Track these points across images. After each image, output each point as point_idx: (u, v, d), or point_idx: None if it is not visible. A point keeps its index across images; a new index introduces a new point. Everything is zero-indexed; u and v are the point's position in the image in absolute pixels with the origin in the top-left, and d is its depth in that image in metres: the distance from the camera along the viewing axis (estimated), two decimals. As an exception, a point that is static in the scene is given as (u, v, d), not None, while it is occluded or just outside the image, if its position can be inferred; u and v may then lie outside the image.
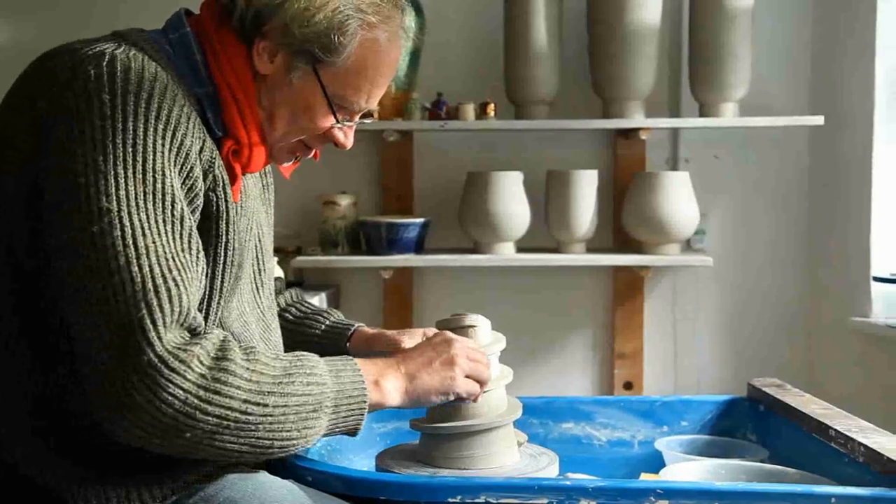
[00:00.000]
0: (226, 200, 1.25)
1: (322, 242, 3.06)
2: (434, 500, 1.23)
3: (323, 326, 1.63)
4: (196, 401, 1.09)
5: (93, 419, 1.12)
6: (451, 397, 1.35)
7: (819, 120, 2.91)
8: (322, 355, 1.29)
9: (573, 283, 3.21)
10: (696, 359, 3.23)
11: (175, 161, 1.17)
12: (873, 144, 2.81)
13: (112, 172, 1.12)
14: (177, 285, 1.11)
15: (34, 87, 1.19)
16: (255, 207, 1.41)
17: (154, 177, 1.14)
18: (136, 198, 1.12)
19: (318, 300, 2.91)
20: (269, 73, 1.29)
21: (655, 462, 1.67)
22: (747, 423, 1.80)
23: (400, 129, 3.01)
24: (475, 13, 3.18)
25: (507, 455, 1.46)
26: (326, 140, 1.38)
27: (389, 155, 3.18)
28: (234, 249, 1.27)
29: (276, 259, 2.75)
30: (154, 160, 1.14)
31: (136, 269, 1.09)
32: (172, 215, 1.15)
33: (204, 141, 1.22)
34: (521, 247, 3.02)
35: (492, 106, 2.95)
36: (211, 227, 1.24)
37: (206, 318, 1.25)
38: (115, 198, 1.11)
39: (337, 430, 1.23)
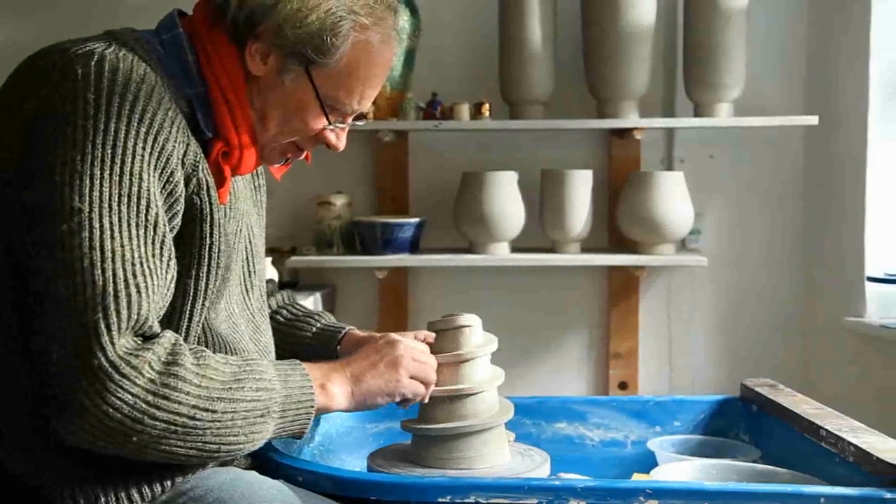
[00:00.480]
0: (210, 203, 1.25)
1: (317, 242, 3.06)
2: (424, 500, 1.23)
3: (314, 329, 1.63)
4: (144, 405, 1.09)
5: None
6: (398, 398, 1.37)
7: (813, 120, 2.91)
8: (313, 358, 1.30)
9: (568, 283, 3.21)
10: (691, 359, 3.23)
11: (155, 165, 1.17)
12: (867, 144, 2.81)
13: (88, 173, 1.12)
14: (138, 292, 1.11)
15: (25, 87, 1.19)
16: (245, 209, 1.40)
17: (131, 180, 1.14)
18: (109, 199, 1.12)
19: (312, 300, 2.91)
20: (262, 75, 1.29)
21: (648, 462, 1.67)
22: (740, 423, 1.80)
23: (395, 129, 3.01)
24: (470, 14, 3.18)
25: (498, 456, 1.47)
26: (318, 142, 1.37)
27: (384, 155, 3.18)
28: (219, 252, 1.27)
29: (269, 259, 2.77)
30: (132, 163, 1.14)
31: (99, 272, 1.10)
32: (146, 220, 1.15)
33: (188, 145, 1.22)
34: (516, 247, 3.02)
35: (486, 106, 2.95)
36: (195, 231, 1.24)
37: (189, 320, 1.26)
38: (87, 198, 1.11)
39: (283, 433, 1.25)
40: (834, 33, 3.01)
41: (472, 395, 1.45)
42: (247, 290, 1.44)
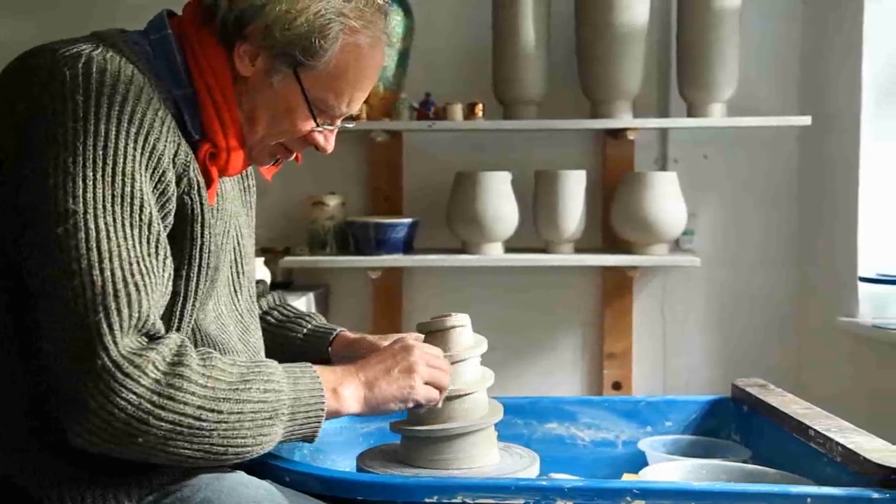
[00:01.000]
0: (201, 204, 1.25)
1: (310, 243, 3.06)
2: (411, 500, 1.23)
3: (305, 331, 1.63)
4: (149, 406, 1.09)
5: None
6: (411, 405, 1.35)
7: (806, 120, 2.92)
8: (304, 360, 1.29)
9: (562, 284, 3.22)
10: (686, 359, 3.23)
11: (147, 165, 1.17)
12: (860, 145, 2.81)
13: (81, 174, 1.12)
14: (137, 290, 1.11)
15: (14, 88, 1.19)
16: (233, 210, 1.40)
17: (123, 180, 1.14)
18: (103, 200, 1.12)
19: (305, 300, 2.91)
20: (250, 76, 1.29)
21: (639, 462, 1.67)
22: (731, 423, 1.80)
23: (388, 129, 3.02)
24: (464, 14, 3.18)
25: (488, 457, 1.46)
26: (307, 143, 1.37)
27: (378, 155, 3.18)
28: (209, 252, 1.27)
29: (262, 260, 2.77)
30: (124, 163, 1.14)
31: (98, 272, 1.10)
32: (140, 219, 1.15)
33: (178, 145, 1.22)
34: (510, 247, 3.02)
35: (480, 106, 2.95)
36: (185, 231, 1.24)
37: (180, 321, 1.25)
38: (81, 200, 1.11)
39: (293, 437, 1.23)
40: (827, 33, 3.01)
41: (461, 396, 1.45)
42: (235, 291, 1.44)
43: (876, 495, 1.21)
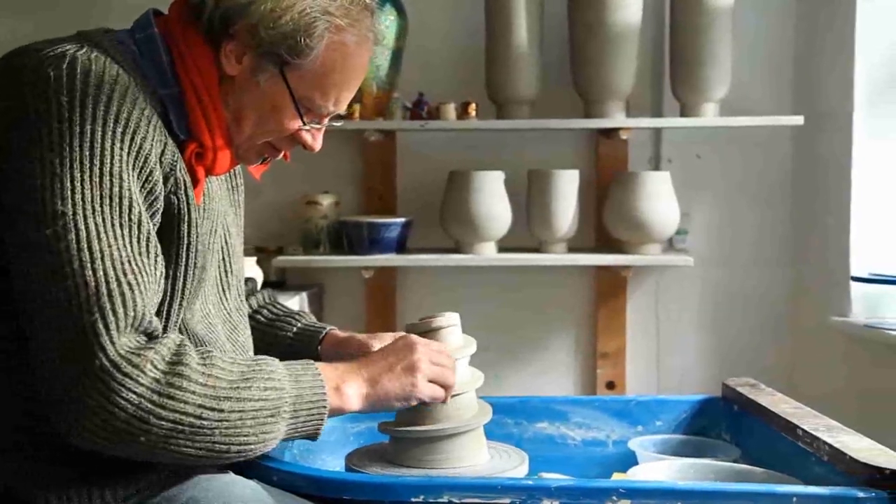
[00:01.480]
0: (188, 203, 1.25)
1: (304, 242, 3.06)
2: (397, 500, 1.23)
3: (294, 329, 1.62)
4: (150, 405, 1.09)
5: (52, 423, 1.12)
6: (414, 402, 1.34)
7: (799, 120, 2.92)
8: (292, 358, 1.28)
9: (555, 283, 3.21)
10: (679, 358, 3.23)
11: (134, 165, 1.17)
12: (853, 144, 2.81)
13: (68, 175, 1.12)
14: (131, 289, 1.11)
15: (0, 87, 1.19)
16: (220, 209, 1.40)
17: (111, 180, 1.14)
18: (92, 201, 1.12)
19: (298, 300, 2.91)
20: (237, 75, 1.29)
21: (630, 462, 1.66)
22: (721, 422, 1.80)
23: (380, 128, 3.02)
24: (457, 14, 3.17)
25: (476, 458, 1.46)
26: (294, 142, 1.37)
27: (372, 155, 3.18)
28: (196, 252, 1.27)
29: (254, 259, 2.77)
30: (111, 163, 1.14)
31: (90, 272, 1.10)
32: (130, 219, 1.15)
33: (165, 144, 1.22)
34: (503, 246, 3.02)
35: (473, 106, 2.95)
36: (172, 230, 1.24)
37: (167, 321, 1.25)
38: (70, 201, 1.11)
39: (296, 434, 1.23)
40: (820, 32, 3.01)
41: (451, 397, 1.45)
42: (223, 290, 1.44)
43: (862, 494, 1.21)
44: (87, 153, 1.13)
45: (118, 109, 1.16)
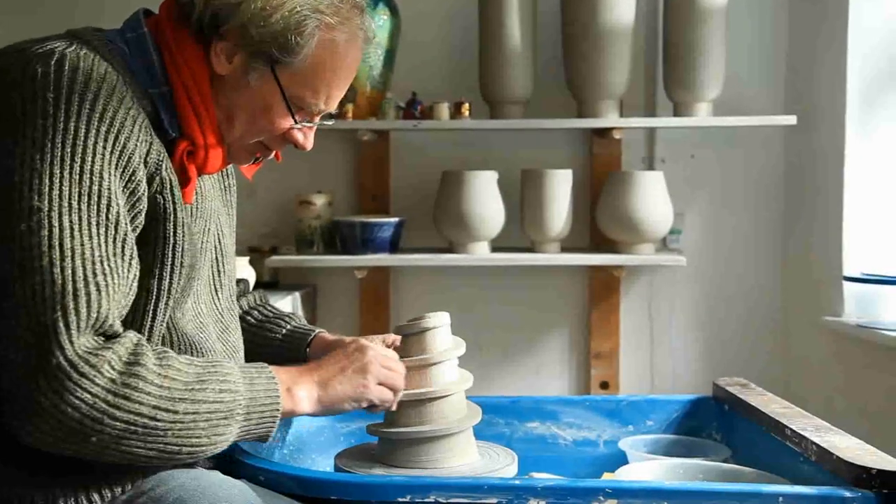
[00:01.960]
0: (174, 203, 1.25)
1: (297, 242, 3.06)
2: (384, 500, 1.23)
3: (284, 331, 1.62)
4: (104, 405, 1.09)
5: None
6: (364, 405, 1.36)
7: (791, 120, 2.92)
8: (282, 360, 1.29)
9: (549, 283, 3.21)
10: (673, 358, 3.23)
11: (116, 164, 1.16)
12: (845, 144, 2.81)
13: (47, 171, 1.11)
14: (98, 290, 1.11)
15: None
16: (213, 209, 1.40)
17: (91, 178, 1.13)
18: (69, 198, 1.12)
19: (290, 299, 2.91)
20: (227, 74, 1.29)
21: (620, 462, 1.67)
22: (712, 422, 1.81)
23: (374, 128, 3.01)
24: (450, 13, 3.18)
25: (465, 458, 1.46)
26: (286, 141, 1.37)
27: (366, 154, 3.18)
28: (182, 251, 1.27)
29: (247, 259, 2.76)
30: (93, 162, 1.14)
31: (59, 270, 1.09)
32: (107, 218, 1.14)
33: (151, 143, 1.22)
34: (496, 246, 3.02)
35: (466, 105, 2.95)
36: (158, 230, 1.24)
37: (153, 320, 1.25)
38: (47, 197, 1.11)
39: (248, 436, 1.23)
40: (812, 32, 3.02)
41: (438, 398, 1.45)
42: (216, 290, 1.43)
43: (848, 494, 1.22)
44: (69, 150, 1.13)
45: (104, 108, 1.16)
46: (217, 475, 1.28)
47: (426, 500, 1.22)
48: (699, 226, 3.20)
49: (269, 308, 1.69)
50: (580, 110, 3.01)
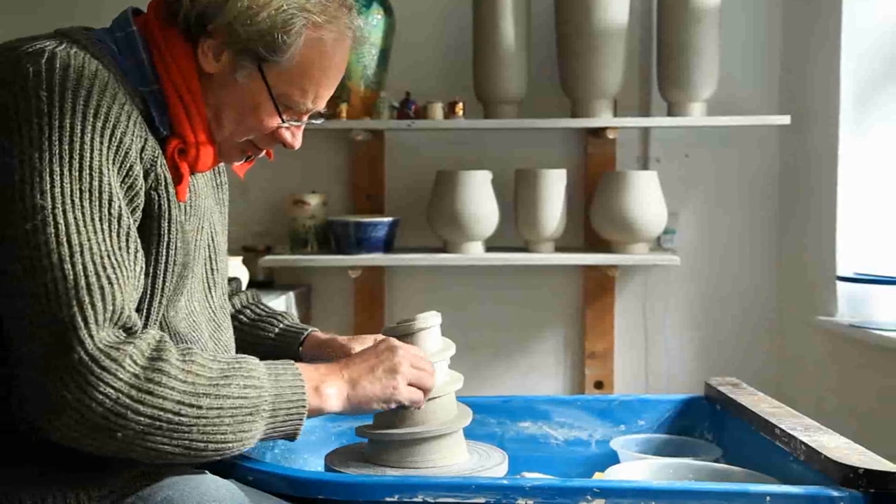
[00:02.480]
0: (168, 200, 1.25)
1: (291, 241, 3.06)
2: (372, 500, 1.23)
3: (276, 330, 1.62)
4: (128, 400, 1.08)
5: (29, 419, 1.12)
6: (393, 405, 1.35)
7: (785, 119, 2.92)
8: (274, 359, 1.28)
9: (543, 283, 3.22)
10: (667, 358, 3.23)
11: (114, 159, 1.17)
12: (839, 144, 2.81)
13: (48, 170, 1.12)
14: (111, 283, 1.11)
15: None
16: (207, 207, 1.40)
17: (91, 174, 1.14)
18: (71, 195, 1.12)
19: (285, 299, 2.91)
20: (215, 72, 1.29)
21: (612, 461, 1.66)
22: (704, 422, 1.81)
23: (368, 128, 3.01)
24: (444, 13, 3.18)
25: (455, 459, 1.46)
26: (275, 140, 1.37)
27: (359, 154, 3.18)
28: (176, 248, 1.27)
29: (239, 258, 2.76)
30: (91, 158, 1.14)
31: (69, 266, 1.10)
32: (109, 213, 1.15)
33: (146, 140, 1.22)
34: (490, 246, 3.02)
35: (460, 105, 2.95)
36: (153, 226, 1.24)
37: (146, 317, 1.25)
38: (49, 195, 1.11)
39: (275, 434, 1.22)
40: (806, 32, 3.02)
41: (428, 400, 1.44)
42: (209, 288, 1.44)
43: (836, 493, 1.22)
44: (67, 147, 1.13)
45: (98, 104, 1.16)
46: (206, 475, 1.28)
47: (414, 499, 1.22)
48: (693, 225, 3.20)
49: (262, 307, 1.69)
50: (574, 110, 3.01)
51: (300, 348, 1.60)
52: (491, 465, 1.45)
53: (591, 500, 1.19)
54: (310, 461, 1.69)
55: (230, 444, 1.17)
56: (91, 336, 1.08)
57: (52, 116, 1.13)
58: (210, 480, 1.26)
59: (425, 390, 1.38)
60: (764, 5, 3.15)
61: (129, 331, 1.13)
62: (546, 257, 2.98)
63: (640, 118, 3.08)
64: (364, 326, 3.12)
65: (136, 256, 1.18)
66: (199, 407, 1.13)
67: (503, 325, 3.22)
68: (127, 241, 1.17)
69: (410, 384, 1.35)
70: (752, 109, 3.07)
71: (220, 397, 1.15)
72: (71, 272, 1.09)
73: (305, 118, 1.38)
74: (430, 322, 1.48)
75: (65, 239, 1.10)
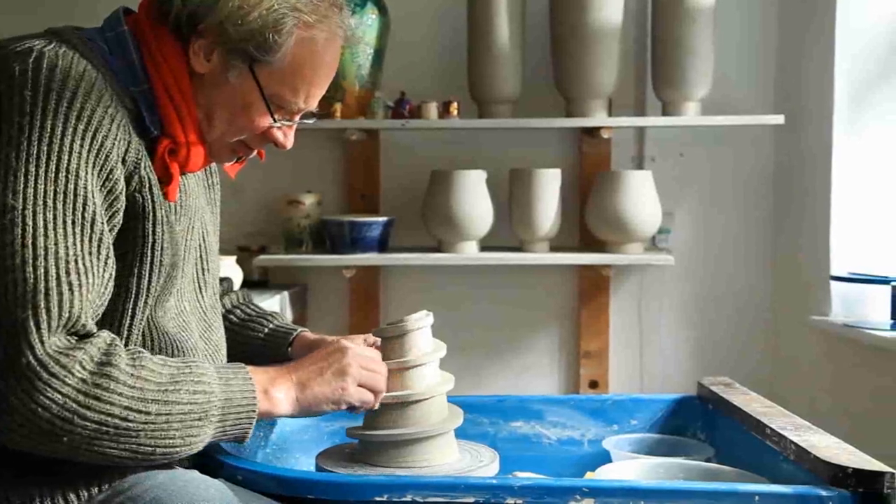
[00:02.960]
0: (153, 201, 1.25)
1: (286, 241, 3.06)
2: (362, 499, 1.23)
3: (266, 330, 1.62)
4: (75, 405, 1.09)
5: None
6: (343, 406, 1.35)
7: (779, 119, 2.92)
8: (264, 360, 1.29)
9: (538, 282, 3.21)
10: (662, 357, 3.24)
11: (94, 163, 1.16)
12: (833, 144, 2.82)
13: (23, 170, 1.11)
14: (71, 290, 1.11)
15: None
16: (198, 207, 1.40)
17: (67, 176, 1.13)
18: (44, 196, 1.12)
19: (280, 299, 2.91)
20: (206, 72, 1.29)
21: (604, 461, 1.66)
22: (697, 421, 1.80)
23: (363, 127, 3.02)
24: (439, 13, 3.18)
25: (445, 459, 1.46)
26: (266, 140, 1.37)
27: (354, 154, 3.18)
28: (163, 249, 1.27)
29: (233, 258, 2.76)
30: (69, 160, 1.14)
31: (31, 269, 1.09)
32: (83, 217, 1.14)
33: (129, 142, 1.22)
34: (485, 245, 3.02)
35: (455, 105, 2.95)
36: (138, 228, 1.24)
37: (131, 318, 1.25)
38: (21, 195, 1.11)
39: (224, 437, 1.23)
40: (800, 31, 3.02)
41: (418, 401, 1.44)
42: (200, 288, 1.43)
43: (825, 493, 1.22)
44: (45, 148, 1.13)
45: (81, 106, 1.16)
46: (195, 475, 1.27)
47: (403, 499, 1.22)
48: (688, 225, 3.20)
49: (252, 307, 1.69)
50: (569, 110, 3.01)
51: (289, 349, 1.59)
52: (481, 464, 1.45)
53: (581, 499, 1.19)
54: (301, 461, 1.69)
55: (178, 449, 1.17)
56: (41, 341, 1.08)
57: (34, 116, 1.13)
58: (199, 480, 1.25)
59: (376, 392, 1.38)
60: (758, 5, 3.15)
61: (81, 337, 1.12)
62: (541, 257, 2.98)
63: (634, 118, 3.09)
64: (359, 326, 3.12)
65: (105, 262, 1.18)
66: (148, 413, 1.13)
67: (498, 325, 3.22)
68: (99, 246, 1.16)
69: (361, 385, 1.35)
70: (747, 109, 3.07)
71: (169, 403, 1.15)
72: (32, 275, 1.09)
73: (297, 118, 1.38)
74: (419, 323, 1.47)
75: (31, 241, 1.10)
